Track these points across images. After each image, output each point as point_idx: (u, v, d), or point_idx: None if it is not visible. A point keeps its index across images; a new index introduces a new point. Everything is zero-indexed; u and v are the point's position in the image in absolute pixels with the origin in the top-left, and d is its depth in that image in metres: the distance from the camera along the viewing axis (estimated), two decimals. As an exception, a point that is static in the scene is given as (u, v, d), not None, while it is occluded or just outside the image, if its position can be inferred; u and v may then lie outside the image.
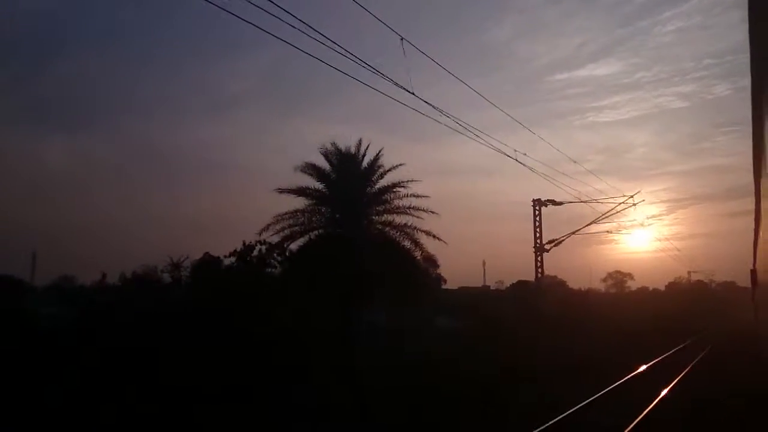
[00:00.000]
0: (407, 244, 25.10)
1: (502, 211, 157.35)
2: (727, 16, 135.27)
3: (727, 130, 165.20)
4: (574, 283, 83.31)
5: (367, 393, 15.89)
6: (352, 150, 25.41)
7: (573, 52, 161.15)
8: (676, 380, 19.96)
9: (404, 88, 11.93)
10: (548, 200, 37.26)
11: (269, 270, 24.48)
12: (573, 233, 37.77)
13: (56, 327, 24.06)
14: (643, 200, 38.62)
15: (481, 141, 17.28)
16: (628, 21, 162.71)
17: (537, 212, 37.53)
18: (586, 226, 37.15)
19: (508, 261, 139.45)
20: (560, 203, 36.87)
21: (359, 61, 10.39)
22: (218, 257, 24.98)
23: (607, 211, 35.89)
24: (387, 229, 25.36)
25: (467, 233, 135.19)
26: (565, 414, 13.40)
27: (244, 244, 23.74)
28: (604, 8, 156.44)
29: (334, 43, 9.59)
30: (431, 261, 25.63)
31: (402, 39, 11.38)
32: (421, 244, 25.12)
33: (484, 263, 79.67)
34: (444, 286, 57.85)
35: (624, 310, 58.99)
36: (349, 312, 24.18)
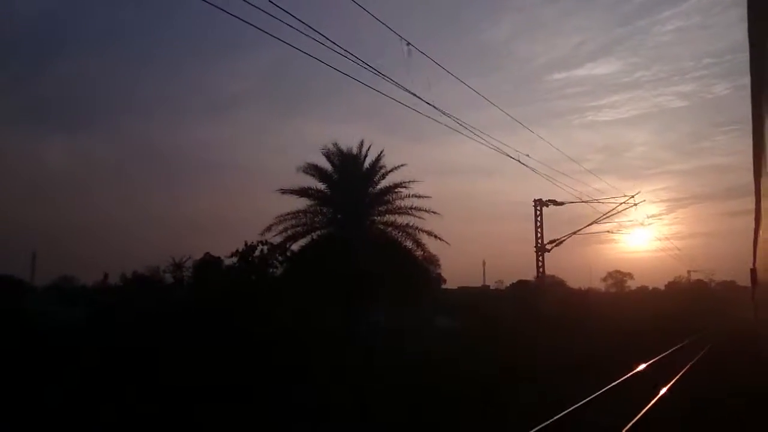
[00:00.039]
0: (409, 244, 25.22)
1: (501, 211, 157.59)
2: (726, 15, 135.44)
3: (726, 129, 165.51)
4: (573, 283, 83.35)
5: (367, 393, 15.90)
6: (354, 151, 25.54)
7: (572, 51, 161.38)
8: (675, 379, 19.97)
9: (406, 89, 11.95)
10: (549, 200, 37.32)
11: (271, 270, 24.56)
12: (574, 233, 37.87)
13: (56, 327, 24.10)
14: (644, 200, 38.73)
15: (482, 141, 17.35)
16: (627, 20, 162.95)
17: (538, 212, 37.59)
18: (588, 226, 37.25)
19: (507, 261, 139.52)
20: (561, 203, 36.95)
21: (359, 62, 10.41)
22: (218, 257, 25.06)
23: (608, 211, 35.99)
24: (389, 229, 25.50)
25: (467, 233, 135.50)
26: (564, 413, 13.40)
27: (245, 244, 23.82)
28: (603, 7, 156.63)
29: (334, 43, 9.61)
30: (433, 261, 25.75)
31: (408, 44, 11.42)
32: (423, 245, 25.25)
33: (484, 263, 79.70)
34: (444, 286, 57.87)
35: (624, 310, 59.05)
36: (350, 312, 24.22)
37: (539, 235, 37.58)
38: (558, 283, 71.94)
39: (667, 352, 30.17)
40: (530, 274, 43.17)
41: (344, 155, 25.44)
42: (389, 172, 25.46)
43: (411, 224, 25.12)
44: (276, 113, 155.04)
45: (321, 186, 25.37)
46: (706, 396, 16.43)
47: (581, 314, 45.13)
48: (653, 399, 15.72)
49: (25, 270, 57.73)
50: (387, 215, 25.58)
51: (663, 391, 17.33)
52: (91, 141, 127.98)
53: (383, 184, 25.60)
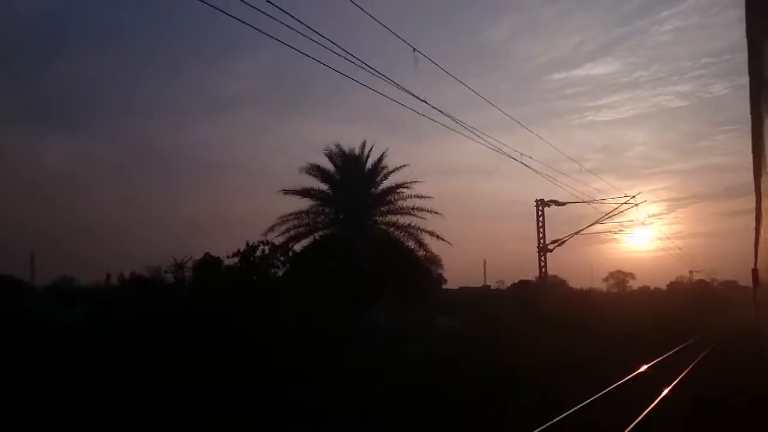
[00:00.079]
0: (411, 244, 25.23)
1: (501, 211, 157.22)
2: (725, 15, 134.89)
3: (725, 128, 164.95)
4: (575, 283, 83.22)
5: (367, 393, 15.89)
6: (357, 151, 25.54)
7: (571, 51, 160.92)
8: (677, 380, 19.93)
9: (405, 89, 11.94)
10: (551, 201, 37.27)
11: (273, 270, 24.59)
12: (576, 233, 37.83)
13: (56, 327, 24.12)
14: (645, 200, 38.69)
15: (482, 141, 17.32)
16: (626, 20, 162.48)
17: (540, 213, 37.55)
18: (590, 226, 37.23)
19: (508, 260, 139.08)
20: (563, 204, 36.91)
21: (358, 62, 10.40)
22: (218, 257, 25.09)
23: (610, 211, 35.97)
24: (391, 229, 25.51)
25: (467, 232, 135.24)
26: (565, 414, 13.38)
27: (247, 244, 23.86)
28: (602, 7, 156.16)
29: (334, 43, 9.59)
30: (435, 261, 25.78)
31: (414, 50, 11.43)
32: (425, 245, 25.26)
33: (484, 263, 79.61)
34: (444, 286, 57.82)
35: (625, 310, 58.95)
36: (351, 312, 24.24)
37: (541, 235, 37.55)
38: (559, 283, 71.88)
39: (669, 353, 30.12)
40: (531, 274, 43.20)
41: (346, 156, 25.48)
42: (391, 172, 25.54)
43: (413, 224, 25.15)
44: (276, 113, 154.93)
45: (323, 186, 25.43)
46: (709, 396, 16.39)
47: (583, 314, 45.09)
48: (656, 399, 15.68)
49: (24, 270, 57.77)
50: (389, 215, 25.64)
51: (665, 391, 17.29)
52: (91, 141, 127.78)
53: (385, 184, 25.67)
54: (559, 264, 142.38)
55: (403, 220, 25.31)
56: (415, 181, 25.36)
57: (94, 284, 40.91)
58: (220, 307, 21.32)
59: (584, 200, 34.50)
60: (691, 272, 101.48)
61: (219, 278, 24.04)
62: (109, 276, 38.95)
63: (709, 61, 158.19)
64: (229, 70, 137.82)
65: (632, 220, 39.14)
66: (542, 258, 37.77)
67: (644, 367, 23.79)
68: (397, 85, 11.76)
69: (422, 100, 12.48)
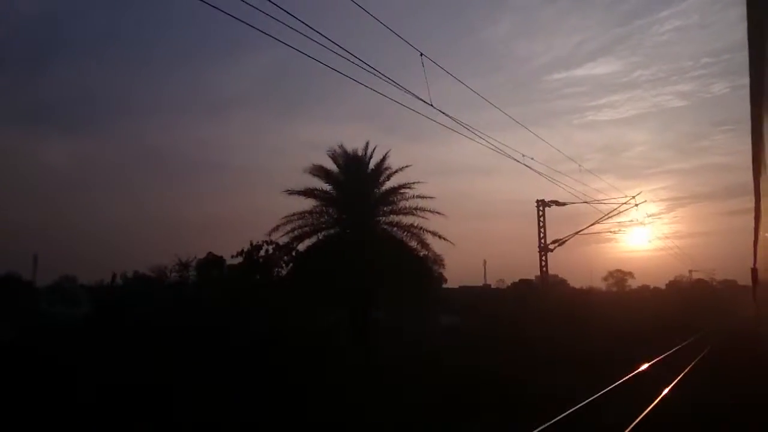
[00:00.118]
0: (414, 244, 25.31)
1: (501, 210, 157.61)
2: (725, 14, 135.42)
3: (725, 128, 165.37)
4: (574, 282, 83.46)
5: (370, 390, 16.00)
6: (359, 152, 25.62)
7: (571, 51, 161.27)
8: (677, 379, 19.99)
9: (405, 89, 11.97)
10: (552, 201, 37.34)
11: (276, 270, 24.65)
12: (577, 233, 37.90)
13: (58, 326, 24.21)
14: (645, 200, 38.76)
15: (482, 142, 17.30)
16: (626, 20, 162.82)
17: (541, 213, 37.61)
18: (590, 226, 37.30)
19: (507, 260, 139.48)
20: (564, 204, 36.97)
21: (358, 62, 10.42)
22: (221, 257, 25.17)
23: (610, 211, 36.03)
24: (394, 229, 25.56)
25: (467, 232, 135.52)
26: (565, 414, 13.45)
27: (251, 244, 23.94)
28: (602, 7, 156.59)
29: (334, 43, 9.62)
30: (437, 261, 25.84)
31: (422, 54, 11.49)
32: (428, 245, 25.32)
33: (485, 262, 79.89)
34: (445, 285, 57.91)
35: (625, 309, 59.03)
36: (356, 311, 24.35)
37: (542, 235, 37.64)
38: (559, 283, 72.06)
39: (669, 352, 30.19)
40: (530, 273, 43.30)
41: (349, 156, 25.55)
42: (394, 173, 25.60)
43: (416, 224, 25.23)
44: (275, 114, 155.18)
45: (327, 187, 25.51)
46: (708, 396, 16.47)
47: (582, 313, 45.17)
48: (656, 399, 15.75)
49: (27, 270, 57.85)
50: (392, 216, 25.69)
51: (666, 391, 17.36)
52: (91, 142, 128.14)
53: (388, 184, 25.73)
54: (559, 263, 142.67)
55: (406, 220, 25.43)
56: (417, 182, 25.45)
57: (96, 284, 41.03)
58: (222, 306, 21.42)
59: (584, 200, 34.57)
60: (690, 272, 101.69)
61: (222, 277, 24.14)
62: (114, 276, 39.06)
63: (710, 61, 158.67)
64: (229, 71, 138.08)
65: (632, 220, 39.21)
66: (543, 258, 37.87)
67: (644, 366, 23.90)
68: (397, 85, 11.77)
69: (428, 104, 12.47)
